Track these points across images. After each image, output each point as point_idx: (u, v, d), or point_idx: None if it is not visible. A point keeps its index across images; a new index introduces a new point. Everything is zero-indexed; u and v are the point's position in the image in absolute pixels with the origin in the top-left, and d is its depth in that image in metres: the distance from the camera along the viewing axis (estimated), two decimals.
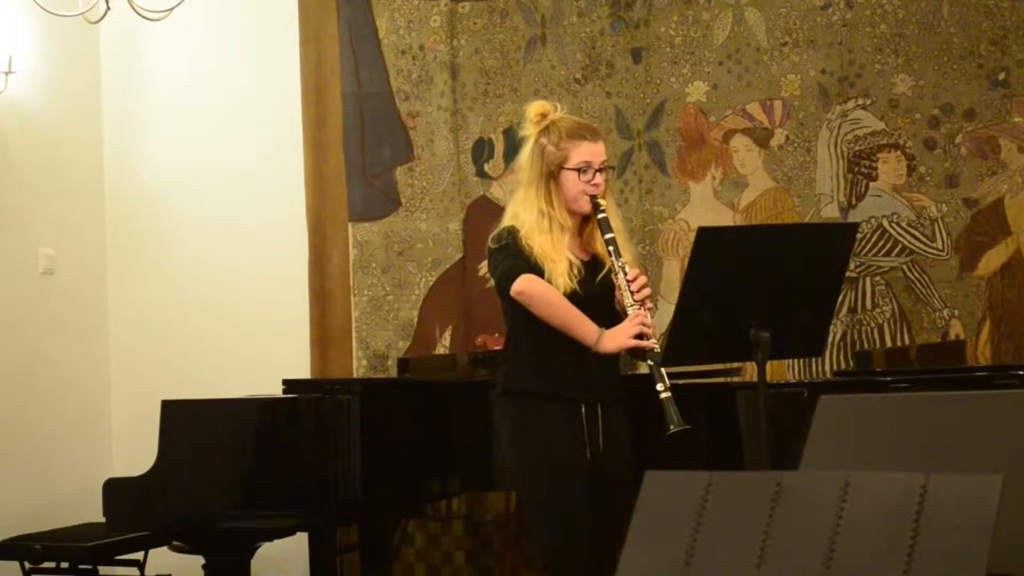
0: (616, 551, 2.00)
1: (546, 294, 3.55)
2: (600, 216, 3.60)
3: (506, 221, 3.70)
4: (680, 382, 3.61)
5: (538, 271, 3.57)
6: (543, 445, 3.59)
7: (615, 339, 3.52)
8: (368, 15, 5.56)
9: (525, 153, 3.72)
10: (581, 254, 3.67)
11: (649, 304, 3.56)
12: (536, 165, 3.66)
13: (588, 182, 3.62)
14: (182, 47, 5.80)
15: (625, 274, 3.54)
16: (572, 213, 3.66)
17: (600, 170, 3.64)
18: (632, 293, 3.52)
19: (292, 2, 5.65)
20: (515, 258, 3.58)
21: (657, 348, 3.48)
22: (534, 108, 3.73)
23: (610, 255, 3.56)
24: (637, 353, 3.56)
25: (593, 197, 3.62)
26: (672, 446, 3.41)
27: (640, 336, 3.48)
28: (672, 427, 3.38)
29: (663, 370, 3.44)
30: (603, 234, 3.59)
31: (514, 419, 3.65)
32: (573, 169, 3.62)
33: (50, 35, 5.55)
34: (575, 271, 3.59)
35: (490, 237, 3.71)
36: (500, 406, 3.72)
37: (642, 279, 3.57)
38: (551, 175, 3.64)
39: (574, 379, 3.59)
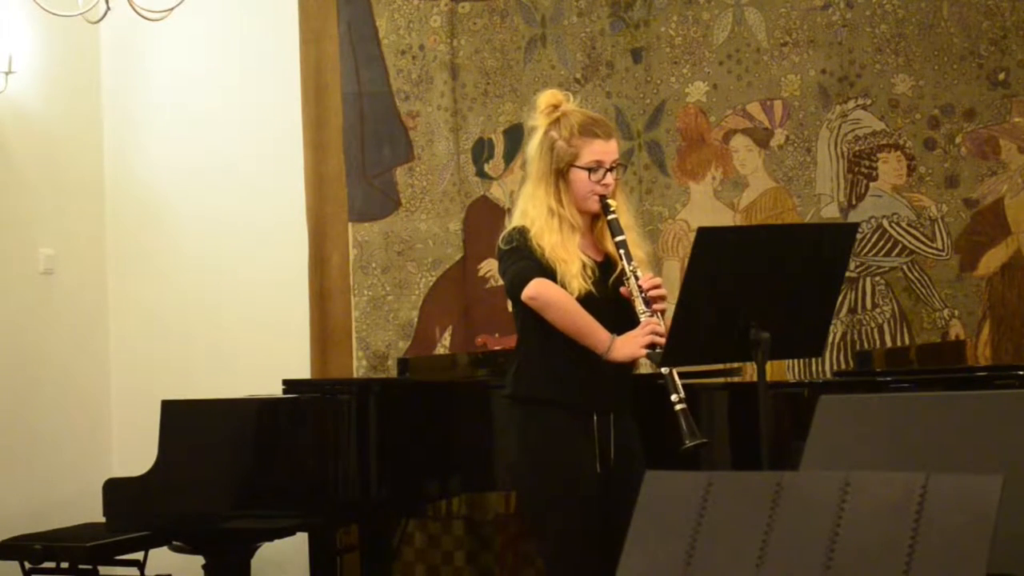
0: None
1: (560, 299, 3.42)
2: (610, 218, 3.48)
3: (516, 219, 3.57)
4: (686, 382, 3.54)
5: (550, 272, 3.44)
6: (552, 455, 3.47)
7: (626, 347, 3.40)
8: (368, 15, 5.56)
9: (534, 144, 3.57)
10: (594, 254, 3.55)
11: (663, 306, 3.43)
12: (545, 160, 3.52)
13: (598, 182, 3.49)
14: (182, 47, 5.80)
15: (637, 279, 3.41)
16: (581, 212, 3.53)
17: (611, 169, 3.52)
18: (645, 301, 3.40)
19: (292, 2, 5.65)
20: (526, 260, 3.46)
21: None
22: (545, 98, 3.58)
23: (621, 259, 3.44)
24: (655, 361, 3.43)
25: (603, 197, 3.49)
26: (683, 456, 3.33)
27: (652, 346, 3.36)
28: (687, 441, 3.28)
29: (679, 381, 3.33)
30: (613, 236, 3.46)
31: (523, 426, 3.54)
32: (583, 168, 3.49)
33: (50, 35, 5.55)
34: (589, 272, 3.46)
35: (500, 238, 3.58)
36: (508, 410, 3.62)
37: (656, 279, 3.46)
38: (560, 172, 3.50)
39: (586, 387, 3.47)
